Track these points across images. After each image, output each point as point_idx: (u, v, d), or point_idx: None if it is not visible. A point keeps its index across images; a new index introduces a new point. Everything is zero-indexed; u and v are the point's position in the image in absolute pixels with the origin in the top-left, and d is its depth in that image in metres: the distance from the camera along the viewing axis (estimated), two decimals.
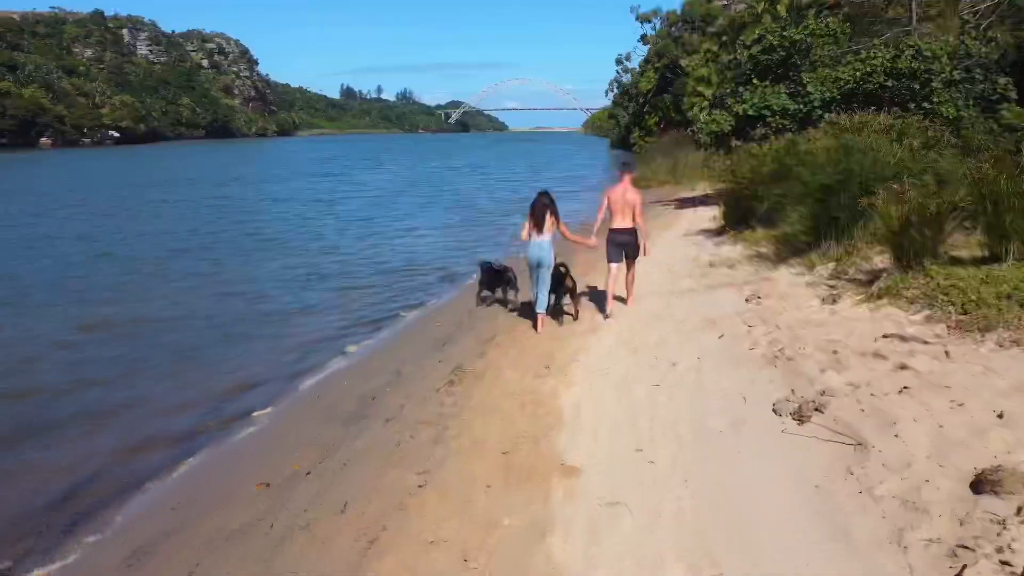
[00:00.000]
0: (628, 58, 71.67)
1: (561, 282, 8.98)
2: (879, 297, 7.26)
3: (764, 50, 19.56)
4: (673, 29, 64.28)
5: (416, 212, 26.32)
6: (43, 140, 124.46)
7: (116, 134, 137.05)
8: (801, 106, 17.93)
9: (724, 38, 45.48)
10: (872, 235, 9.18)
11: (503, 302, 10.59)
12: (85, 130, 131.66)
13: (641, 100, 64.03)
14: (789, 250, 10.23)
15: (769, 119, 18.10)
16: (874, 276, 8.00)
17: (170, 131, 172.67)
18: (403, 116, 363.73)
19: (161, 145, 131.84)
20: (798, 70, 19.16)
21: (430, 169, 55.07)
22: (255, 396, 8.00)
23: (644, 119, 62.69)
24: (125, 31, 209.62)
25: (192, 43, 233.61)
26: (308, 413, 7.22)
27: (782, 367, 5.90)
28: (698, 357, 6.65)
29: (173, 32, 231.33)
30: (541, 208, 8.75)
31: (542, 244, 8.69)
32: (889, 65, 16.80)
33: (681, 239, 14.63)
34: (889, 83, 16.62)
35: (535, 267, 8.74)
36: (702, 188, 27.62)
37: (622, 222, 9.26)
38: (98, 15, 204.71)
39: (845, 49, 19.66)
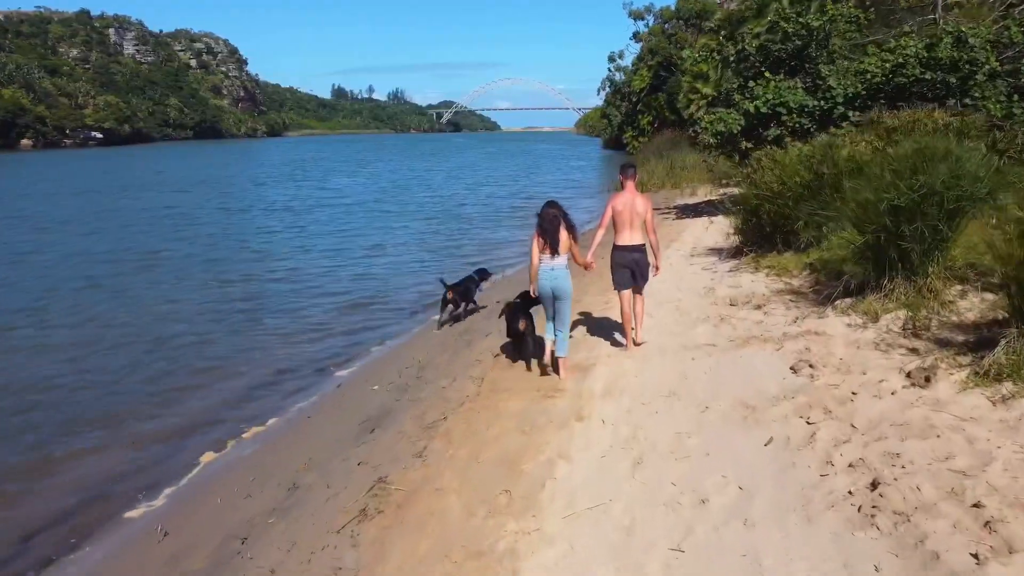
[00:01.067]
0: (621, 56, 69.39)
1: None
2: (998, 376, 4.90)
3: (778, 39, 17.19)
4: (667, 26, 62.07)
5: (391, 224, 23.89)
6: (24, 141, 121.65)
7: (99, 135, 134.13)
8: (821, 103, 15.57)
9: (723, 33, 43.33)
10: (949, 270, 6.84)
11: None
12: (67, 131, 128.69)
13: (634, 99, 61.72)
14: (832, 284, 7.87)
15: (784, 117, 15.74)
16: (976, 336, 5.64)
17: (157, 132, 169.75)
18: (394, 116, 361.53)
19: (145, 146, 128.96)
20: (814, 62, 16.82)
21: (415, 172, 52.57)
22: (61, 534, 5.55)
23: (637, 119, 60.41)
24: (111, 31, 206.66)
25: (180, 43, 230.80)
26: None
27: (890, 532, 3.50)
28: (740, 487, 4.25)
29: (161, 32, 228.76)
30: (553, 221, 7.13)
31: (557, 269, 7.13)
32: (925, 55, 14.45)
33: (687, 261, 12.26)
34: (927, 75, 14.27)
35: (551, 299, 7.22)
36: (704, 193, 25.24)
37: (630, 237, 7.79)
38: (84, 14, 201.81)
39: (865, 39, 17.36)
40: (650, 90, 59.02)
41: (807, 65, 16.94)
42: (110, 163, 69.32)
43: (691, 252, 13.11)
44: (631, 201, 7.77)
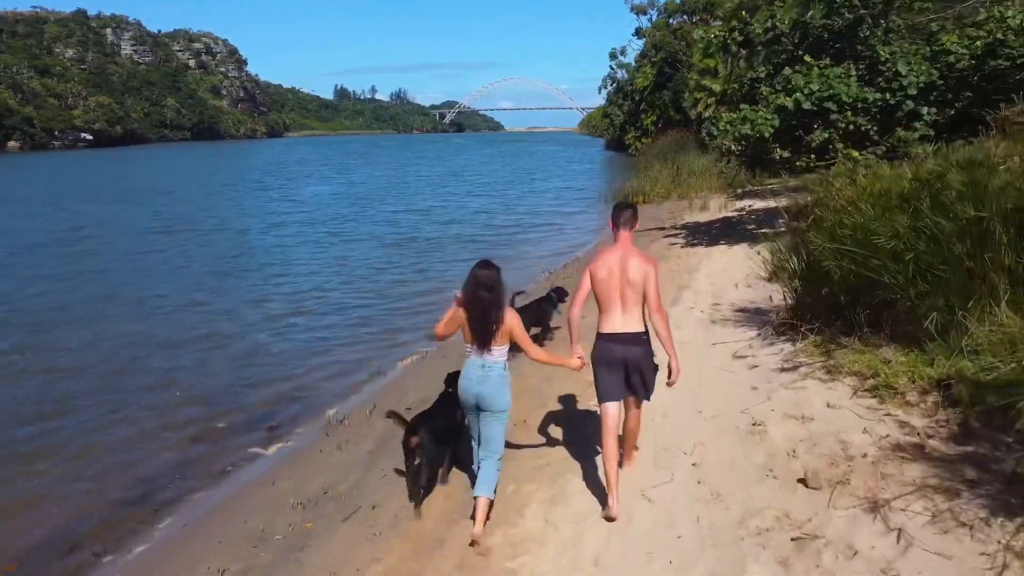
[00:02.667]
0: (623, 52, 65.13)
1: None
2: None
3: (820, 12, 13.03)
4: (672, 20, 58.03)
5: (342, 251, 19.69)
6: (11, 143, 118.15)
7: (89, 136, 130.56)
8: (886, 96, 11.45)
9: (734, 23, 39.06)
10: None
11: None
12: (56, 132, 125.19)
13: (637, 98, 57.62)
14: (997, 422, 3.80)
15: (835, 116, 11.61)
16: None
17: (153, 133, 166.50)
18: (397, 117, 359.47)
19: (134, 148, 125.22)
20: (867, 43, 12.69)
21: (399, 178, 48.43)
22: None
23: (640, 118, 56.33)
24: (108, 31, 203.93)
25: (179, 43, 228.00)
26: None
27: None
28: None
29: (159, 32, 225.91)
30: (488, 293, 4.61)
31: (490, 368, 4.70)
32: None
33: (707, 331, 8.14)
34: None
35: (474, 412, 4.82)
36: (717, 207, 21.07)
37: (622, 320, 4.82)
38: (80, 14, 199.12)
39: (937, 13, 13.22)
40: (654, 88, 54.95)
41: (859, 47, 12.80)
42: (83, 167, 65.59)
43: (712, 312, 8.99)
44: (621, 263, 4.81)
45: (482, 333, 4.61)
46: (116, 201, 31.57)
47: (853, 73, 12.06)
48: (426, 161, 69.32)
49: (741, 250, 12.76)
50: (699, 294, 10.17)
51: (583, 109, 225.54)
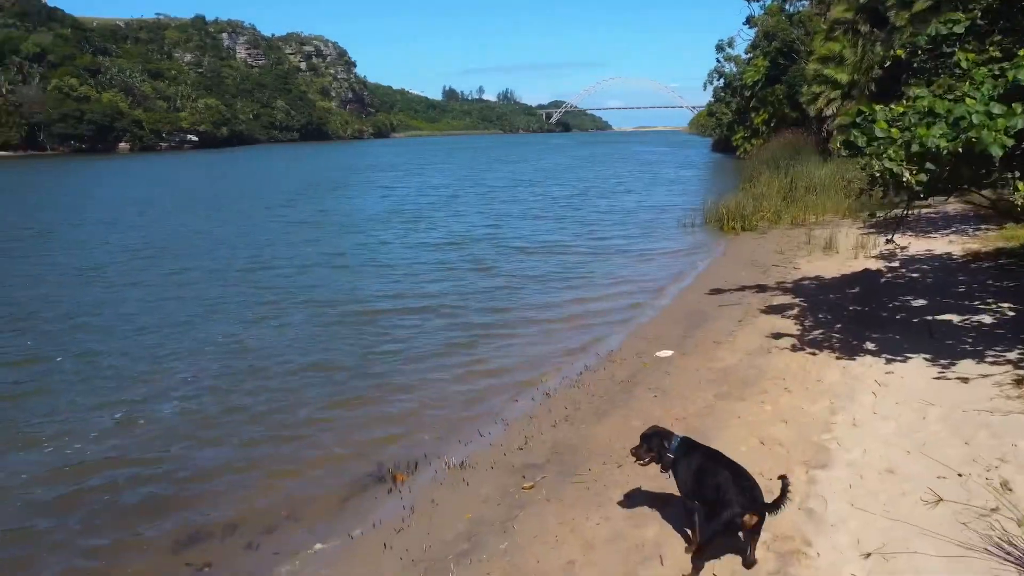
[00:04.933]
0: (731, 44, 58.06)
1: None
2: None
3: None
4: (787, 5, 50.76)
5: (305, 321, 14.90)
6: (121, 145, 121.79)
7: (194, 138, 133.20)
8: None
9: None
10: None
11: None
12: (163, 134, 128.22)
13: (747, 93, 50.66)
14: None
15: None
16: None
17: (263, 134, 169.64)
18: (503, 116, 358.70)
19: (238, 149, 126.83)
20: None
21: (468, 185, 43.55)
22: None
23: (750, 116, 49.40)
24: (224, 35, 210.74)
25: (290, 46, 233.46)
26: None
27: None
28: None
29: (272, 35, 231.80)
30: None
31: None
32: None
33: None
34: None
35: None
36: (849, 246, 14.81)
37: None
38: (199, 20, 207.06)
39: None
40: (766, 82, 48.01)
41: None
42: (166, 169, 64.59)
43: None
44: None
45: None
46: (152, 218, 27.92)
47: None
48: (518, 163, 64.38)
49: (919, 372, 7.05)
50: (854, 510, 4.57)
51: (694, 108, 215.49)
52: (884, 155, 6.48)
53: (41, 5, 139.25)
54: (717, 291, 12.51)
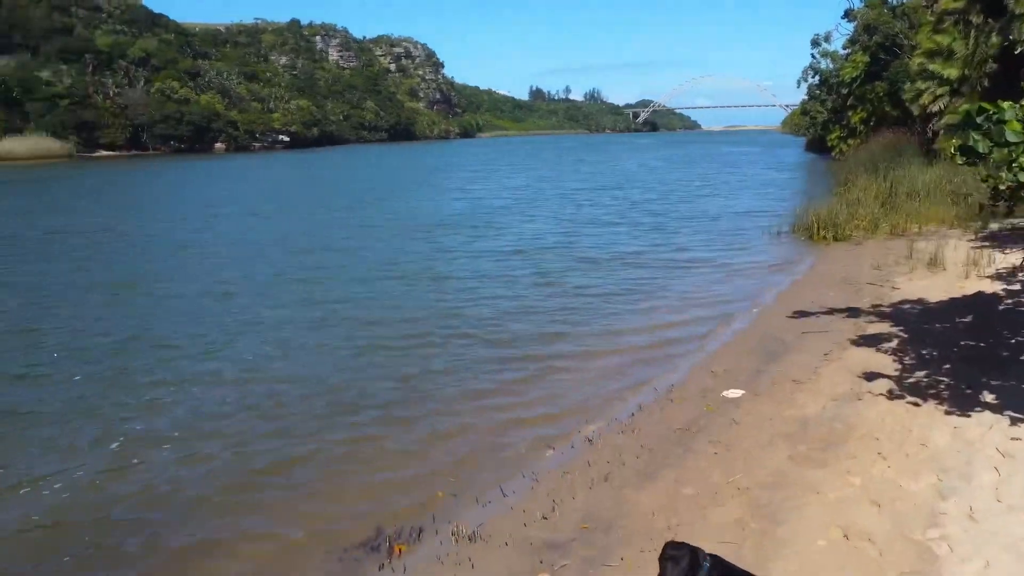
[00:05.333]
0: (827, 38, 54.72)
1: None
2: None
3: None
4: None
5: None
6: (217, 145, 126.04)
7: (286, 138, 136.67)
8: None
9: None
10: None
11: None
12: (256, 135, 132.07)
13: (844, 91, 47.65)
14: None
15: None
16: None
17: (352, 134, 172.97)
18: (589, 116, 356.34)
19: (327, 149, 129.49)
20: None
21: (551, 186, 42.39)
22: None
23: (846, 115, 46.46)
24: (318, 38, 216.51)
25: (381, 48, 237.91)
26: None
27: None
28: None
29: (364, 38, 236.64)
30: None
31: None
32: None
33: None
34: None
35: None
36: (959, 262, 12.97)
37: None
38: (294, 24, 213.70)
39: None
40: (865, 79, 45.01)
41: None
42: (249, 168, 65.99)
43: None
44: None
45: None
46: (185, 226, 27.95)
47: None
48: (591, 165, 62.80)
49: None
50: None
51: (787, 106, 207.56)
52: (1016, 163, 5.05)
53: (147, 12, 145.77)
54: (801, 314, 11.02)
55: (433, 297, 13.75)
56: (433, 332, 11.26)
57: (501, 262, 17.33)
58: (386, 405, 8.39)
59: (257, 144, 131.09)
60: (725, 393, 7.89)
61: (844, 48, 52.73)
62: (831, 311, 11.03)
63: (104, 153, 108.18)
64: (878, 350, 8.72)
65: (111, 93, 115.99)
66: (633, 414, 7.68)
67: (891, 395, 7.16)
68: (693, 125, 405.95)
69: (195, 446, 7.36)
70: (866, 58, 45.70)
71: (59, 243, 21.70)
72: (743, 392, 7.84)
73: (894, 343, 8.95)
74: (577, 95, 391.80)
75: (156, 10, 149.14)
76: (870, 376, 7.75)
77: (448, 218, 26.31)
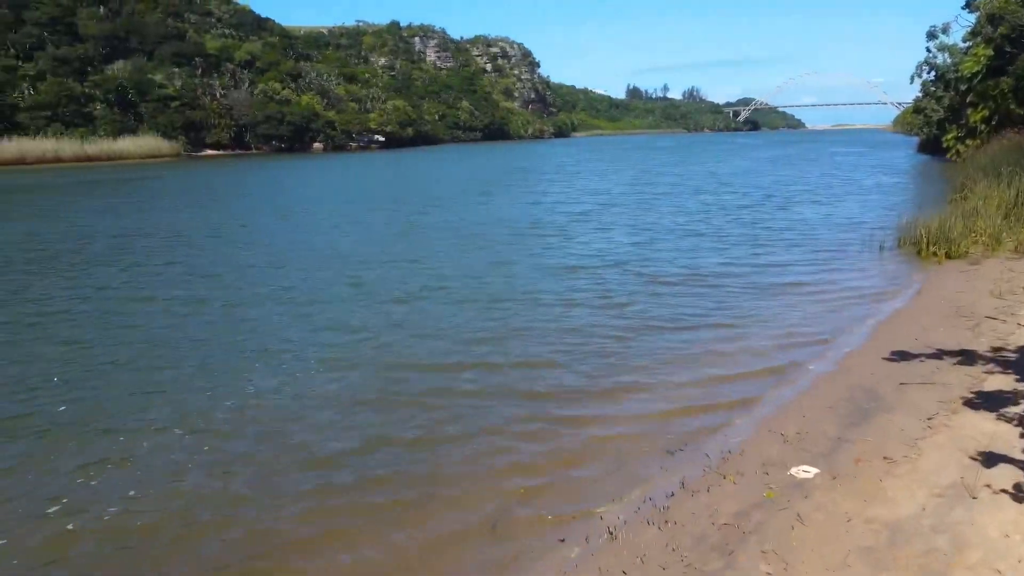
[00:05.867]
0: (945, 30, 50.37)
1: None
2: None
3: None
4: None
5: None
6: (315, 145, 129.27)
7: (381, 138, 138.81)
8: None
9: None
10: None
11: None
12: (353, 135, 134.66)
13: (963, 87, 43.58)
14: None
15: None
16: None
17: (446, 134, 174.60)
18: (687, 115, 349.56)
19: (421, 149, 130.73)
20: None
21: (636, 190, 40.48)
22: None
23: (965, 114, 42.47)
24: (416, 39, 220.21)
25: (477, 48, 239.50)
26: None
27: None
28: None
29: (461, 39, 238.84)
30: None
31: None
32: None
33: None
34: None
35: None
36: None
37: None
38: (394, 26, 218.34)
39: None
40: (987, 74, 40.98)
41: None
42: (335, 167, 66.62)
43: None
44: None
45: None
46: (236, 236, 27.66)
47: None
48: (683, 166, 60.13)
49: None
50: None
51: (898, 104, 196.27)
52: None
53: (254, 16, 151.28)
54: (902, 356, 9.12)
55: (478, 325, 12.06)
56: (460, 377, 9.51)
57: (564, 280, 15.76)
58: (365, 475, 7.04)
59: (353, 144, 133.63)
60: (793, 471, 6.23)
61: (964, 41, 48.47)
62: (939, 354, 9.08)
63: (209, 152, 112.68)
64: (1000, 416, 6.84)
65: (218, 94, 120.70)
66: (672, 493, 6.12)
67: (1017, 493, 5.36)
68: (797, 124, 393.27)
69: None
70: (989, 51, 41.63)
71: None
72: (816, 472, 6.16)
73: (1022, 407, 7.03)
74: (675, 93, 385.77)
75: (263, 14, 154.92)
76: (989, 459, 5.93)
77: (519, 226, 24.94)
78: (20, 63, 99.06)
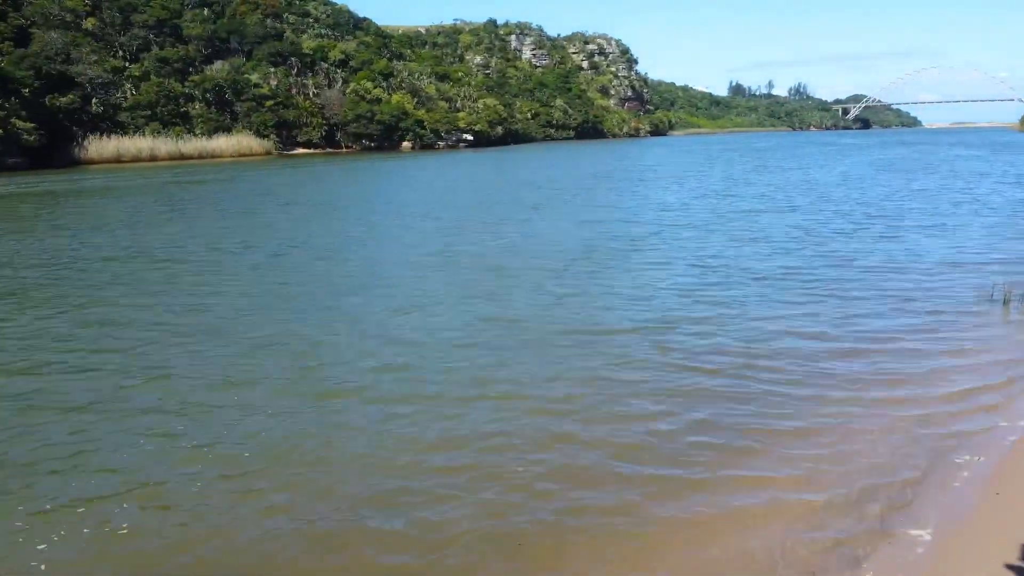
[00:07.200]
0: None
1: None
2: None
3: None
4: None
5: None
6: (404, 143, 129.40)
7: (469, 137, 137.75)
8: None
9: None
10: None
11: None
12: (441, 133, 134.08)
13: None
14: None
15: None
16: None
17: (538, 133, 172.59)
18: (793, 113, 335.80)
19: (509, 148, 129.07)
20: None
21: (713, 203, 36.58)
22: None
23: None
24: (512, 37, 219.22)
25: (574, 45, 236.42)
26: None
27: None
28: None
29: (558, 36, 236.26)
30: None
31: None
32: None
33: None
34: None
35: None
36: None
37: None
38: (490, 24, 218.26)
39: None
40: None
41: None
42: (412, 167, 65.20)
43: None
44: None
45: None
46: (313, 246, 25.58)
47: None
48: (777, 172, 55.02)
49: None
50: None
51: None
52: None
53: (351, 15, 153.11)
54: None
55: (488, 399, 9.36)
56: (439, 467, 6.95)
57: (611, 324, 12.63)
58: None
59: (441, 143, 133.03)
60: None
61: None
62: None
63: (301, 151, 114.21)
64: None
65: (311, 94, 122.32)
66: None
67: None
68: (912, 122, 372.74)
69: None
70: None
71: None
72: None
73: None
74: (781, 90, 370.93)
75: (361, 14, 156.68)
76: None
77: (572, 247, 21.75)
78: (127, 64, 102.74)
